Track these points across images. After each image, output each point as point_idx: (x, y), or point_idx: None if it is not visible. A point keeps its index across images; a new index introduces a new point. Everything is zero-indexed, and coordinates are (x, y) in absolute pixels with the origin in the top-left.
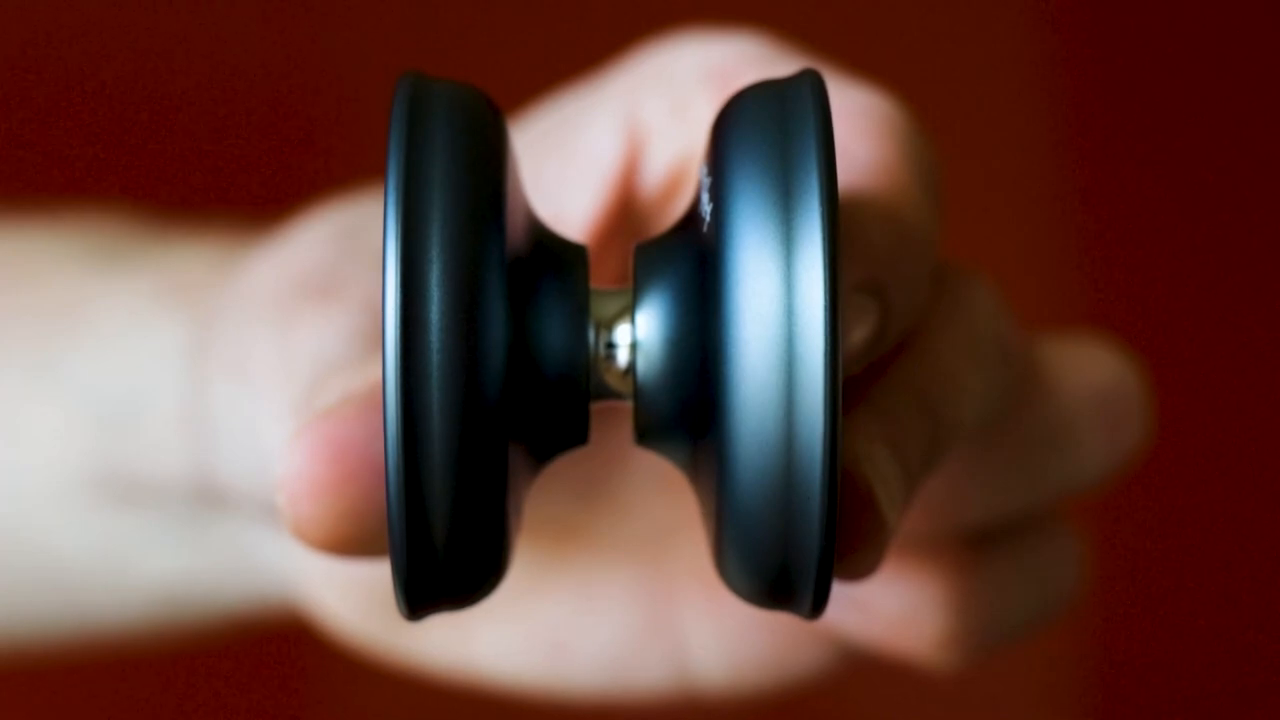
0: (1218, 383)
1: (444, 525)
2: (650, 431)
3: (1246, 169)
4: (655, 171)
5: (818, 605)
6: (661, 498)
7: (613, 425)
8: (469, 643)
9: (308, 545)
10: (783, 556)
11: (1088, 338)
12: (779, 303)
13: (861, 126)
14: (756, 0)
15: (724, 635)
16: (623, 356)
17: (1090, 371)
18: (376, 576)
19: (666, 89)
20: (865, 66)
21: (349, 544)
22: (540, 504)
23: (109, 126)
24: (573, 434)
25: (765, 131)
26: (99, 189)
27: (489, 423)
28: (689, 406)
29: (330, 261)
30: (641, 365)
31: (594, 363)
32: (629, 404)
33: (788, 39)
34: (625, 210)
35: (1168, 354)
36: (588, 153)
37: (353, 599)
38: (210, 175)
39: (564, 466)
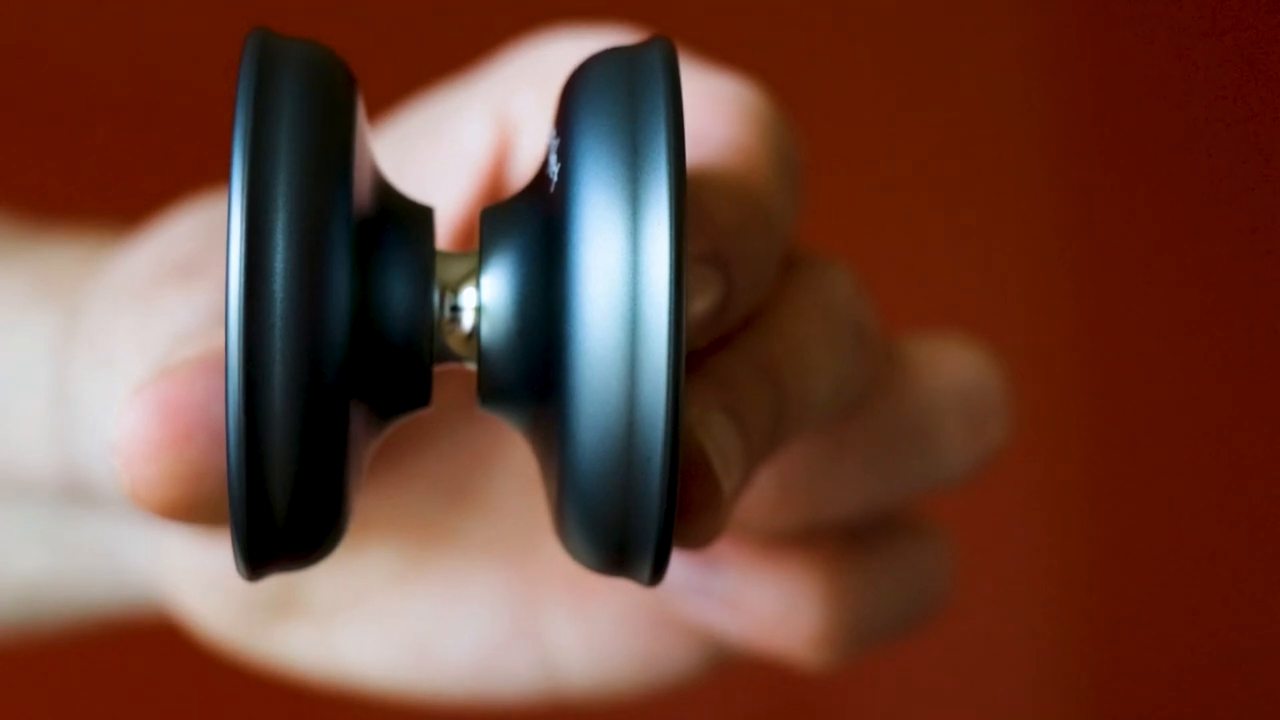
0: (1215, 386)
1: (284, 481)
2: (493, 395)
3: (1249, 171)
4: (525, 163)
5: (657, 572)
6: (527, 499)
7: (479, 423)
8: (334, 645)
9: (145, 509)
10: (622, 522)
11: (951, 336)
12: (623, 259)
13: (719, 109)
14: (756, 2)
15: (590, 636)
16: (467, 320)
17: (953, 368)
18: (238, 577)
19: (537, 83)
20: (865, 66)
21: (185, 508)
22: (406, 504)
23: None
24: (415, 396)
25: (613, 92)
26: None
27: (331, 380)
28: (532, 370)
29: (197, 248)
30: (486, 329)
31: (438, 326)
32: (472, 368)
33: (656, 31)
34: (494, 201)
35: (1165, 359)
36: (458, 144)
37: (216, 600)
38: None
39: (430, 466)
